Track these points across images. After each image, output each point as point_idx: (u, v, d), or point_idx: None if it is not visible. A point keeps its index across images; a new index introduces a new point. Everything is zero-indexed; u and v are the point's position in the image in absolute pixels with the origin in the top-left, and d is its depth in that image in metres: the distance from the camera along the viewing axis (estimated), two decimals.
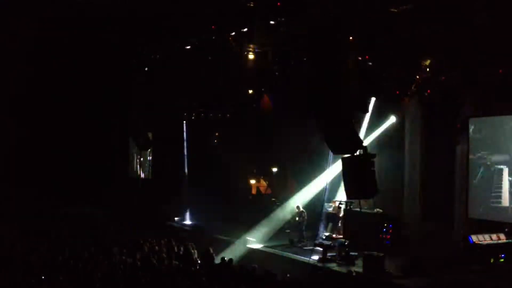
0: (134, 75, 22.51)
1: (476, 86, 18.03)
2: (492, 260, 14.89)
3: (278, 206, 21.74)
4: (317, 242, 16.94)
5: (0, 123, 24.45)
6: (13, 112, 24.72)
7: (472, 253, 15.20)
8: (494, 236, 15.65)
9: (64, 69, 24.04)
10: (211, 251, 15.65)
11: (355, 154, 13.18)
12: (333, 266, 15.45)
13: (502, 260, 15.03)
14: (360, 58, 17.87)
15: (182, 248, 16.44)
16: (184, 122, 25.75)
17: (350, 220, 17.86)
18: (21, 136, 25.28)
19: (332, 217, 19.78)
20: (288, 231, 20.27)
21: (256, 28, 16.49)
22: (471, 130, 18.40)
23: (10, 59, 22.33)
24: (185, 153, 25.60)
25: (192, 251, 16.15)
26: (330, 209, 19.95)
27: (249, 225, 21.15)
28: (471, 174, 18.49)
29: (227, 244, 18.74)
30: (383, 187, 16.95)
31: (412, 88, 18.29)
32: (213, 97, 24.23)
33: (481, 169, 18.26)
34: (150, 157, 26.02)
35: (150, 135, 25.56)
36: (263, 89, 21.75)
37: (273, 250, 17.43)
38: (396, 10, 14.62)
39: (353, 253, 15.87)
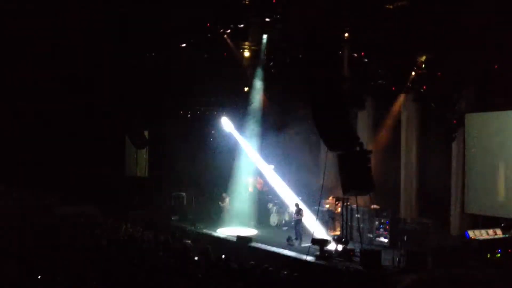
0: (131, 73, 22.46)
1: (472, 82, 18.11)
2: (488, 255, 14.93)
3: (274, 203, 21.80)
4: (314, 238, 16.92)
5: None
6: (11, 111, 24.62)
7: (469, 248, 15.24)
8: (490, 231, 15.72)
9: (62, 69, 23.95)
10: (210, 249, 15.62)
11: (352, 150, 13.17)
12: (331, 262, 15.45)
13: (498, 255, 15.07)
14: (355, 55, 17.91)
15: (179, 246, 16.41)
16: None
17: (347, 216, 17.89)
18: (19, 135, 25.18)
19: (329, 214, 19.82)
20: (286, 228, 20.31)
21: (252, 25, 16.49)
22: (467, 126, 18.45)
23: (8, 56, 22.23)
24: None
25: (190, 249, 16.13)
26: (327, 206, 19.99)
27: (245, 222, 21.23)
28: (467, 170, 18.56)
29: (225, 242, 18.74)
30: (380, 183, 17.03)
31: (408, 84, 18.35)
32: (210, 94, 24.21)
33: (477, 165, 18.32)
34: (146, 156, 25.97)
35: (146, 133, 25.50)
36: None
37: (270, 247, 17.43)
38: (391, 7, 14.65)
39: (350, 249, 15.89)
